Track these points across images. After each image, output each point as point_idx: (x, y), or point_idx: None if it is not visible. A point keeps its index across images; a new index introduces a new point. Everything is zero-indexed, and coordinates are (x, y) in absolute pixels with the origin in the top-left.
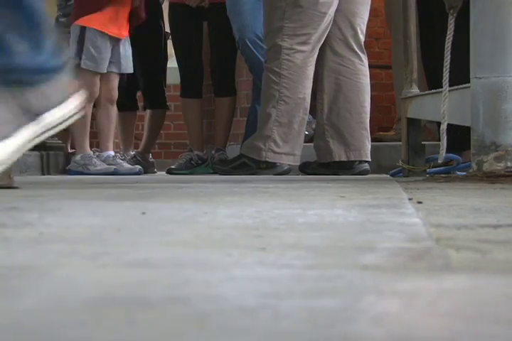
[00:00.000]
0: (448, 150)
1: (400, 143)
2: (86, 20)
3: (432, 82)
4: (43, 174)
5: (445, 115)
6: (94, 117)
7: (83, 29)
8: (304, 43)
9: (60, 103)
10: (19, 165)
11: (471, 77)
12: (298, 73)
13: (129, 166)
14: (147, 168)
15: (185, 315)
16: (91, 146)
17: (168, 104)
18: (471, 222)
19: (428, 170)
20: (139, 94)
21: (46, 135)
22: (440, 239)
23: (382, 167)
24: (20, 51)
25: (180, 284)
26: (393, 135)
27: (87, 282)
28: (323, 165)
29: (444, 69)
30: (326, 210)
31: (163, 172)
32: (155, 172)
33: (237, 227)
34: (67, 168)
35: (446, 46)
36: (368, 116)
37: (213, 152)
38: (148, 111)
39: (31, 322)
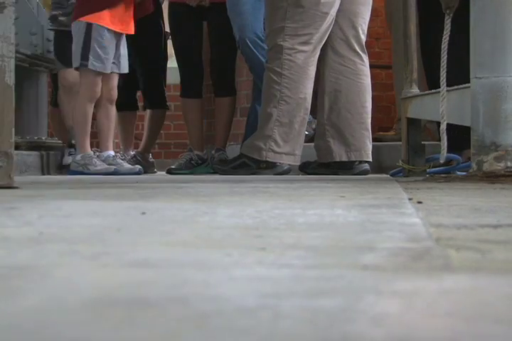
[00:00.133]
0: (448, 150)
1: (400, 143)
2: (93, 17)
3: (432, 81)
4: (43, 174)
5: (444, 115)
6: (94, 117)
7: (89, 26)
8: (305, 43)
9: None
10: (19, 165)
11: (471, 77)
12: (299, 73)
13: (129, 166)
14: (147, 168)
15: (185, 315)
16: (91, 146)
17: (168, 104)
18: (471, 222)
19: (428, 170)
20: (139, 94)
21: None
22: (440, 239)
23: (382, 167)
24: None
25: (180, 284)
26: (393, 135)
27: (87, 282)
28: (324, 165)
29: (441, 69)
30: (326, 210)
31: (163, 172)
32: (155, 172)
33: (237, 227)
34: (64, 163)
35: (442, 46)
36: (369, 116)
37: (213, 152)
38: (148, 111)
39: (31, 322)
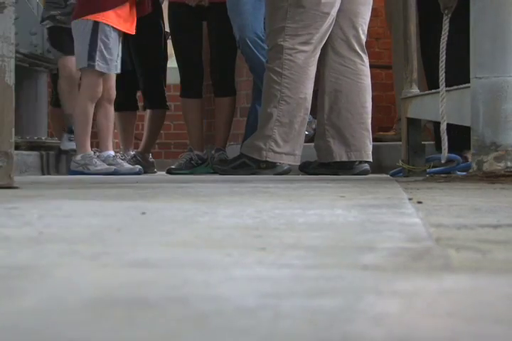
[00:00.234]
0: (449, 150)
1: (400, 143)
2: (101, 16)
3: (432, 82)
4: (43, 174)
5: (444, 115)
6: (93, 117)
7: (96, 25)
8: (305, 43)
9: None
10: (19, 165)
11: (471, 77)
12: (299, 73)
13: (129, 166)
14: (147, 168)
15: (185, 315)
16: (91, 146)
17: (168, 104)
18: (471, 221)
19: (428, 170)
20: (139, 94)
21: None
22: (440, 239)
23: (382, 167)
24: None
25: (180, 284)
26: (393, 135)
27: (87, 282)
28: (324, 165)
29: (440, 70)
30: (326, 210)
31: (163, 172)
32: (155, 172)
33: (237, 227)
34: (63, 148)
35: (441, 46)
36: (370, 116)
37: (213, 152)
38: (148, 111)
39: (31, 322)
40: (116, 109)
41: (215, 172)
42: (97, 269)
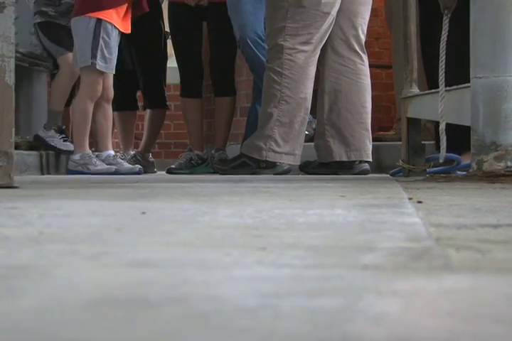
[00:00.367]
0: (448, 150)
1: (400, 142)
2: (104, 14)
3: (432, 81)
4: (43, 174)
5: (443, 115)
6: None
7: (98, 23)
8: (305, 43)
9: None
10: (19, 165)
11: (471, 76)
12: (299, 73)
13: (129, 166)
14: (147, 168)
15: (185, 315)
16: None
17: (168, 103)
18: (471, 221)
19: (428, 169)
20: (138, 93)
21: None
22: (440, 239)
23: (382, 167)
24: None
25: (180, 284)
26: (393, 135)
27: (87, 282)
28: (324, 165)
29: (440, 70)
30: (326, 210)
31: (163, 172)
32: (155, 172)
33: (237, 227)
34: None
35: (441, 46)
36: (369, 116)
37: (213, 152)
38: (148, 111)
39: (31, 322)
40: (116, 109)
41: (215, 172)
42: (97, 269)
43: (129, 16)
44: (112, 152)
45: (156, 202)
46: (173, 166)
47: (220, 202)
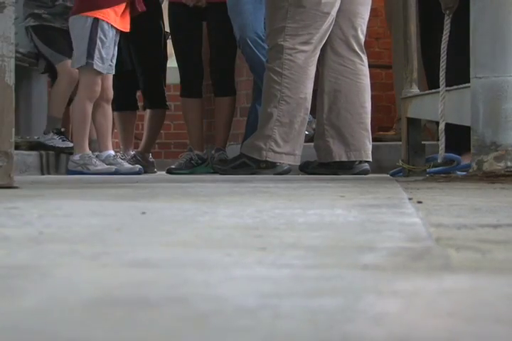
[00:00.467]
0: (448, 151)
1: (400, 143)
2: (101, 13)
3: (432, 82)
4: (43, 174)
5: (443, 115)
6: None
7: (95, 23)
8: (305, 43)
9: None
10: (19, 165)
11: (471, 76)
12: (299, 73)
13: (129, 166)
14: (147, 168)
15: (185, 315)
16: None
17: (168, 103)
18: (471, 221)
19: (428, 170)
20: (138, 93)
21: None
22: (440, 239)
23: (382, 167)
24: None
25: (180, 284)
26: (393, 135)
27: (87, 282)
28: (323, 165)
29: (441, 70)
30: (326, 210)
31: (163, 172)
32: (155, 172)
33: (237, 227)
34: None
35: (442, 46)
36: (369, 116)
37: (213, 152)
38: (148, 111)
39: (31, 322)
40: (116, 109)
41: (215, 172)
42: (97, 269)
43: (128, 15)
44: (112, 152)
45: (156, 202)
46: (173, 166)
47: (220, 202)
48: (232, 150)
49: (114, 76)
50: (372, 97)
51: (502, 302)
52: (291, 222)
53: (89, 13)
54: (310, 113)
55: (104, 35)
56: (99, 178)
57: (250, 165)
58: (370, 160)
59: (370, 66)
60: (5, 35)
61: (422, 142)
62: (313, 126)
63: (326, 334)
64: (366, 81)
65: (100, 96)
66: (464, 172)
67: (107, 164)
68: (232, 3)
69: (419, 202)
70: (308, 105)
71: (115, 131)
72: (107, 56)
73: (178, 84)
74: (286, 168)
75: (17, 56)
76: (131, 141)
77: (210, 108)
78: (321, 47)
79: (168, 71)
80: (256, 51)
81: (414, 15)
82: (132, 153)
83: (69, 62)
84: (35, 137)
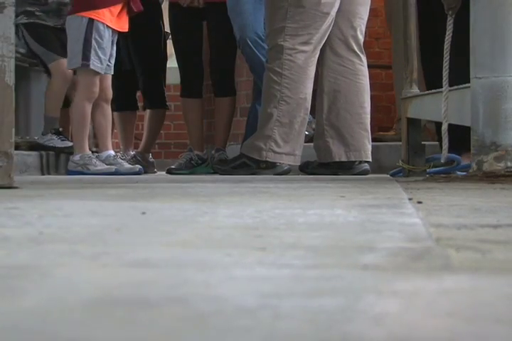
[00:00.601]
0: (448, 151)
1: (400, 143)
2: (96, 13)
3: (429, 83)
4: (43, 174)
5: (446, 115)
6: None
7: (91, 23)
8: (305, 43)
9: None
10: (19, 165)
11: (471, 77)
12: (299, 73)
13: (129, 166)
14: (147, 168)
15: (185, 315)
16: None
17: (168, 104)
18: (471, 221)
19: (428, 170)
20: (138, 94)
21: None
22: (440, 239)
23: (382, 167)
24: None
25: (180, 284)
26: (393, 135)
27: (87, 282)
28: (323, 165)
29: (444, 70)
30: (326, 210)
31: (163, 172)
32: (155, 172)
33: (237, 227)
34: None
35: (445, 47)
36: (368, 116)
37: (213, 152)
38: (148, 111)
39: (31, 322)
40: (116, 109)
41: (215, 172)
42: (97, 269)
43: (126, 15)
44: (112, 152)
45: (156, 203)
46: (173, 166)
47: (220, 203)
48: (232, 150)
49: (114, 76)
50: (372, 97)
51: (502, 302)
52: (291, 222)
53: (84, 14)
54: (310, 113)
55: (100, 36)
56: (99, 178)
57: (250, 165)
58: (370, 160)
59: (370, 66)
60: (5, 35)
61: (422, 142)
62: (313, 126)
63: (326, 335)
64: (365, 81)
65: (99, 97)
66: (464, 173)
67: (106, 164)
68: (232, 3)
69: (419, 203)
70: (308, 105)
71: (115, 131)
72: (104, 56)
73: (178, 84)
74: (286, 168)
75: (17, 56)
76: (131, 141)
77: (210, 108)
78: (320, 47)
79: (168, 71)
80: (256, 51)
81: (414, 15)
82: (132, 153)
83: (62, 61)
84: (35, 138)
